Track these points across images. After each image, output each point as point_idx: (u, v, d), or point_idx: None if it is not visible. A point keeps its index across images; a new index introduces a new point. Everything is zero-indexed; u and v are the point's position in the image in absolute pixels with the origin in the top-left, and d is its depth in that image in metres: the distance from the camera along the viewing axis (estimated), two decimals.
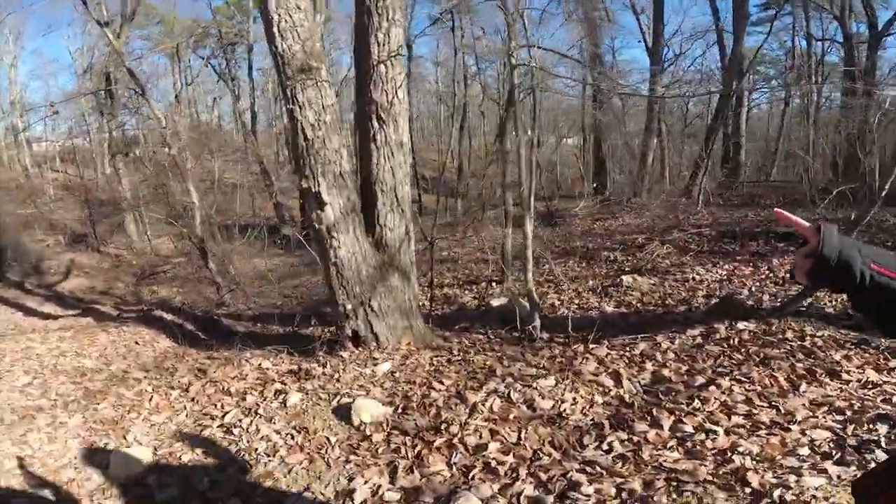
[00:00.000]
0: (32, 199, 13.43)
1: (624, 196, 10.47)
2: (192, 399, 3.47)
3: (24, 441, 3.24)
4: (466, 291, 6.26)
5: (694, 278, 5.32)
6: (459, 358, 3.68)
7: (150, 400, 3.55)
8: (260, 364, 3.86)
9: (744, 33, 10.87)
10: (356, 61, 3.84)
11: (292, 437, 2.83)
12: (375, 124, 3.65)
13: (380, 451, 2.61)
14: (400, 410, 2.93)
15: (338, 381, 3.40)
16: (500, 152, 5.61)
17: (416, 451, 2.50)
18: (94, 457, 2.91)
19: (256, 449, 2.72)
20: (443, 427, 2.63)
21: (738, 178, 11.34)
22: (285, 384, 3.42)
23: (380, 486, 2.29)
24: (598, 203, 10.70)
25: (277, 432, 2.87)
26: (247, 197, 15.09)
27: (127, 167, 11.69)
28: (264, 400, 3.27)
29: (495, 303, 5.11)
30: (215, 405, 3.31)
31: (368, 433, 2.76)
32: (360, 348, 3.85)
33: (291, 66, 3.25)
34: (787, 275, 5.77)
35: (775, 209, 0.98)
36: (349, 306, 3.70)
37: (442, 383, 3.17)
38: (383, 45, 3.57)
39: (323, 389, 3.29)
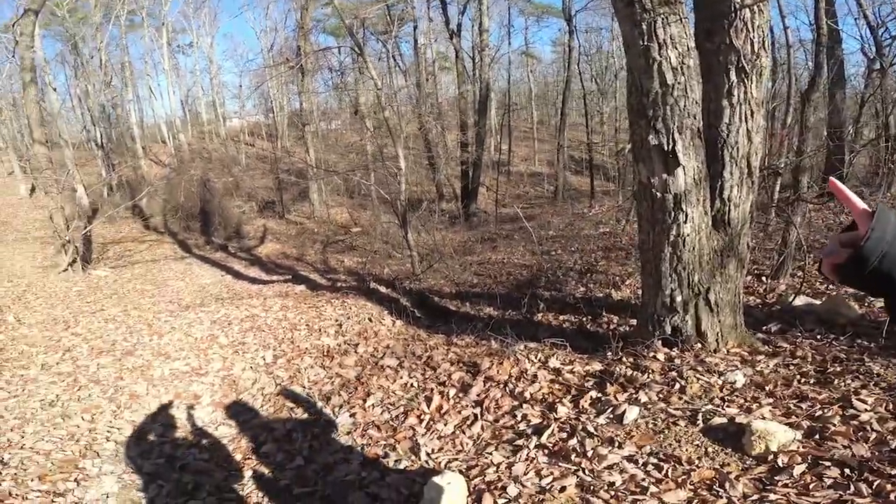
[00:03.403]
0: (229, 168, 14.79)
1: None
2: (478, 403, 2.87)
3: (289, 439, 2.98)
4: None
5: None
6: (840, 369, 2.74)
7: (430, 402, 3.03)
8: (545, 361, 3.25)
9: None
10: (698, 3, 3.01)
11: (658, 469, 2.14)
12: (733, 77, 2.78)
13: (811, 486, 1.86)
14: (817, 436, 2.14)
15: (682, 392, 2.65)
16: (801, 125, 4.41)
17: (873, 487, 1.77)
18: (385, 478, 2.42)
19: (613, 483, 2.05)
20: None
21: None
22: (606, 393, 2.66)
23: None
24: None
25: (631, 460, 2.17)
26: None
27: (313, 138, 12.24)
28: (580, 412, 2.55)
29: (798, 302, 4.05)
30: (514, 415, 2.67)
31: (781, 464, 2.01)
32: (674, 349, 3.09)
33: None
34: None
35: (830, 178, 0.71)
36: (679, 298, 2.91)
37: (863, 401, 2.29)
38: None
39: (667, 403, 2.58)
